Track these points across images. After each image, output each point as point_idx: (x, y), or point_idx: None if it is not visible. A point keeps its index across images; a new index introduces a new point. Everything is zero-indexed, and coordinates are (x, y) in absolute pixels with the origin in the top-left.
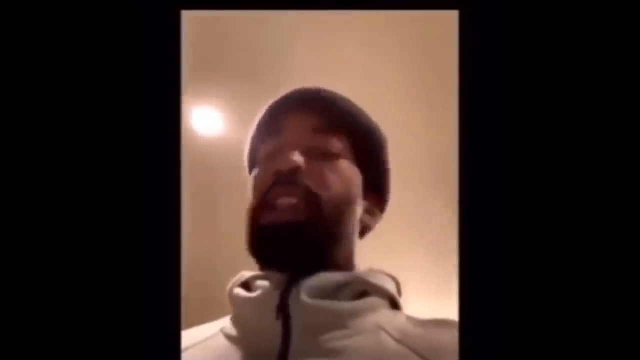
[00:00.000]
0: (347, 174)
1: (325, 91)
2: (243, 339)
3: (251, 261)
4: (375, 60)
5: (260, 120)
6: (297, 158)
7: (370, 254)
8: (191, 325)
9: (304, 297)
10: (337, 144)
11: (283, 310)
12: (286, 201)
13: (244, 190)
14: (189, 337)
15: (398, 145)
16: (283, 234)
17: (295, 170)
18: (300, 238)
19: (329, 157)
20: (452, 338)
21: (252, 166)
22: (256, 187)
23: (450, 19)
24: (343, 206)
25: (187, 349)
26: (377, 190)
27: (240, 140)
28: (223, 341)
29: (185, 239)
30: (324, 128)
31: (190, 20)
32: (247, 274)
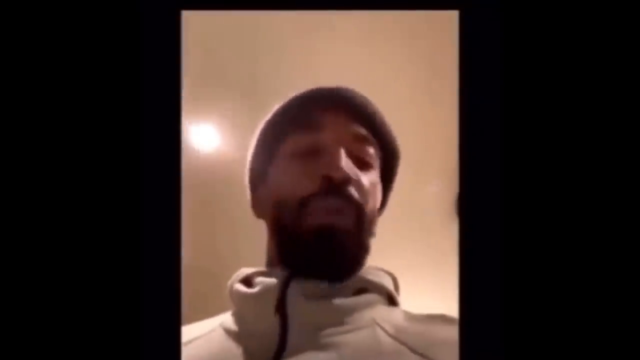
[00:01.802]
0: (376, 186)
1: (361, 95)
2: (242, 334)
3: (247, 262)
4: (375, 61)
5: (285, 111)
6: (349, 166)
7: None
8: (190, 321)
9: (302, 294)
10: (371, 154)
11: (281, 306)
12: (335, 207)
13: (241, 195)
14: (188, 331)
15: (410, 142)
16: (331, 238)
17: (348, 180)
18: (344, 246)
19: (365, 166)
20: (445, 332)
21: (265, 154)
22: (292, 188)
23: (450, 19)
24: (373, 219)
25: (186, 343)
26: (384, 199)
27: (238, 146)
28: (222, 335)
29: (184, 244)
30: (363, 137)
31: (189, 21)
32: (247, 270)
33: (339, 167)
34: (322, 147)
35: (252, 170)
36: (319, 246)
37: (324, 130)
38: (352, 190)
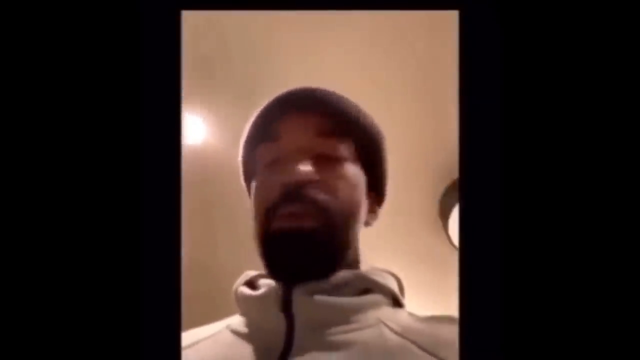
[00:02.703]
0: (353, 179)
1: (323, 91)
2: (248, 335)
3: (249, 263)
4: (373, 61)
5: (252, 125)
6: (305, 169)
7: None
8: (191, 324)
9: (307, 293)
10: (341, 147)
11: (286, 307)
12: (296, 212)
13: (239, 194)
14: (194, 334)
15: (396, 144)
16: (294, 241)
17: (304, 183)
18: (311, 246)
19: (334, 162)
20: (452, 332)
21: (248, 173)
22: (260, 198)
23: (450, 19)
24: (350, 213)
25: (193, 344)
26: (377, 188)
27: (236, 145)
28: (229, 337)
29: (183, 243)
30: (328, 131)
31: (187, 22)
32: (251, 273)
33: (293, 173)
34: (282, 156)
35: (246, 184)
36: (285, 251)
37: (283, 138)
38: (314, 192)
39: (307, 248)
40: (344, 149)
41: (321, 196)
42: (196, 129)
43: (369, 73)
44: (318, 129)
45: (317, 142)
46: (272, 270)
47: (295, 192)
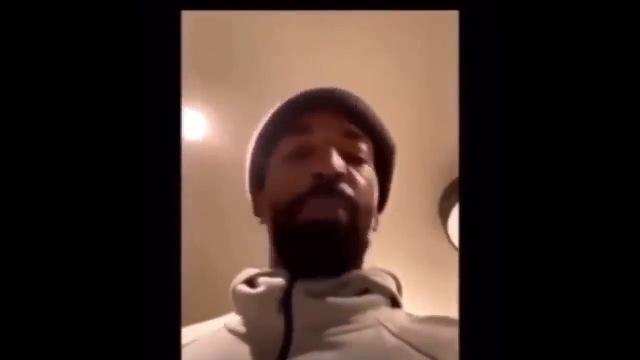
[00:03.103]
0: (372, 181)
1: (347, 93)
2: (246, 334)
3: (249, 258)
4: (374, 62)
5: (276, 115)
6: (340, 163)
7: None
8: (189, 321)
9: (307, 293)
10: (363, 149)
11: (285, 306)
12: (328, 204)
13: (238, 189)
14: (192, 331)
15: (396, 144)
16: (325, 230)
17: (339, 176)
18: (340, 239)
19: (357, 161)
20: (449, 333)
21: (257, 169)
22: (284, 188)
23: (450, 19)
24: (370, 214)
25: (191, 342)
26: (383, 193)
27: (236, 140)
28: (227, 336)
29: (183, 238)
30: (355, 133)
31: (189, 20)
32: (250, 271)
33: (329, 164)
34: (312, 147)
35: (251, 178)
36: (314, 241)
37: (313, 131)
38: (344, 186)
39: (336, 240)
40: (365, 150)
41: (351, 192)
42: (196, 126)
43: (368, 73)
44: (345, 129)
45: (343, 140)
46: (292, 259)
47: (328, 184)
